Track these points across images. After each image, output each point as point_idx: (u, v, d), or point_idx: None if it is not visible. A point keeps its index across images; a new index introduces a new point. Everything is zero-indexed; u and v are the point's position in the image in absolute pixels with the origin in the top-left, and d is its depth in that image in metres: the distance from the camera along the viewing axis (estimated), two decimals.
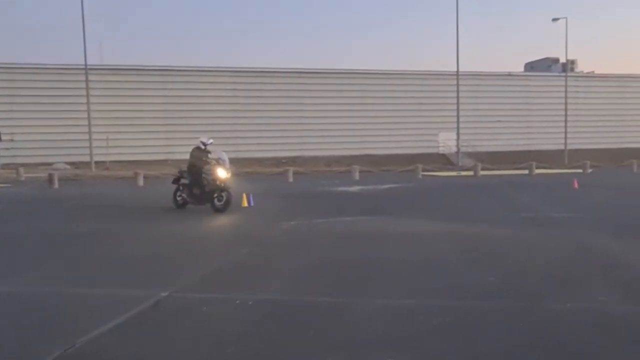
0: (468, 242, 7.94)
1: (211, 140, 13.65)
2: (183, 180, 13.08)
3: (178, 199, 13.06)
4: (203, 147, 13.20)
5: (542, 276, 5.85)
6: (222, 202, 12.28)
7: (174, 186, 13.40)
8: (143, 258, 7.21)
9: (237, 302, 5.05)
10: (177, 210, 12.70)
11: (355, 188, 18.71)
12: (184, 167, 13.33)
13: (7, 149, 41.24)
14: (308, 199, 15.34)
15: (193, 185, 12.69)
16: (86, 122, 35.84)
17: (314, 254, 7.26)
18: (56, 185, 21.05)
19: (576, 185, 17.47)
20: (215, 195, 12.37)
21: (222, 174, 12.51)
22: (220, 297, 5.25)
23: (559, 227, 9.37)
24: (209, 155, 13.10)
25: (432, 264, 6.55)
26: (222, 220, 10.99)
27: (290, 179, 24.60)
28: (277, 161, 42.61)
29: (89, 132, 34.27)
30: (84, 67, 35.59)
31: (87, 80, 34.17)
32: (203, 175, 12.53)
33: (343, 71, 48.75)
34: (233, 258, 7.10)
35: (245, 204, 13.38)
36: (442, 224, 9.83)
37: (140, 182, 22.10)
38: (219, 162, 12.90)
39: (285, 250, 7.65)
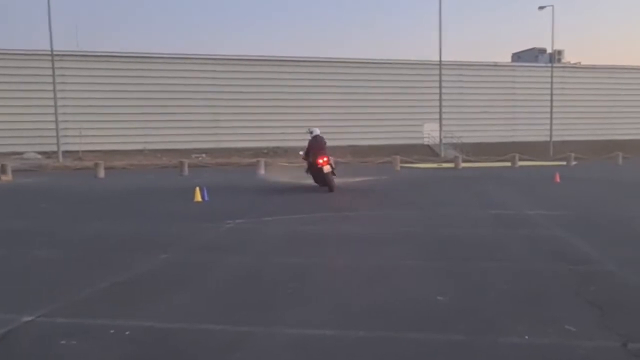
0: (424, 247, 6.91)
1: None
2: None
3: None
4: None
5: (500, 293, 4.82)
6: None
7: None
8: (42, 265, 6.13)
9: (112, 332, 3.97)
10: (119, 207, 11.60)
11: None
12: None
13: None
14: (270, 193, 14.27)
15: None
16: (58, 111, 34.44)
17: (243, 260, 6.19)
18: (9, 176, 19.76)
19: (557, 179, 16.54)
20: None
21: None
22: (95, 324, 4.15)
23: (531, 226, 8.37)
24: None
25: (375, 275, 5.50)
26: (162, 217, 9.86)
27: (262, 171, 23.50)
28: (258, 152, 41.41)
29: (56, 121, 32.83)
30: (55, 52, 34.13)
31: (53, 67, 32.74)
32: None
33: (325, 60, 47.52)
34: (147, 266, 6.00)
35: (198, 198, 12.31)
36: (402, 224, 8.81)
37: (101, 173, 20.85)
38: None
39: (213, 255, 6.57)
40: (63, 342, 3.79)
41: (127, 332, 3.95)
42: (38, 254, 6.72)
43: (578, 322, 4.03)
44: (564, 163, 28.13)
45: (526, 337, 3.78)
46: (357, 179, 18.08)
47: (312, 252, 6.67)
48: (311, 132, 14.87)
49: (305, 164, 14.78)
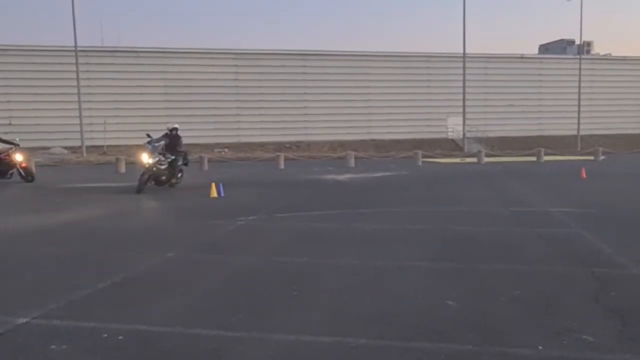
0: (436, 246, 6.63)
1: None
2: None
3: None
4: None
5: (513, 298, 4.55)
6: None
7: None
8: (45, 262, 6.05)
9: (105, 335, 3.84)
10: (133, 202, 11.56)
11: (344, 176, 17.41)
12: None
13: (6, 133, 40.52)
14: (287, 188, 14.11)
15: None
16: (84, 106, 34.87)
17: (247, 260, 6.02)
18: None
19: (584, 175, 15.99)
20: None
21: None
22: (89, 326, 4.02)
23: (551, 225, 8.03)
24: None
25: (382, 277, 5.28)
26: (176, 213, 9.78)
27: (282, 166, 23.35)
28: (280, 146, 41.34)
29: (80, 116, 33.22)
30: (80, 48, 34.56)
31: (77, 63, 33.05)
32: None
33: (348, 53, 47.11)
34: (150, 265, 5.88)
35: (214, 194, 12.21)
36: (416, 222, 8.54)
37: (122, 168, 20.97)
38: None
39: (219, 254, 6.43)
40: (53, 346, 3.67)
41: (120, 337, 3.81)
42: (41, 251, 6.66)
43: (597, 333, 3.74)
44: (592, 157, 27.31)
45: (539, 347, 3.52)
46: (377, 174, 17.82)
47: (319, 251, 6.47)
48: (176, 129, 14.49)
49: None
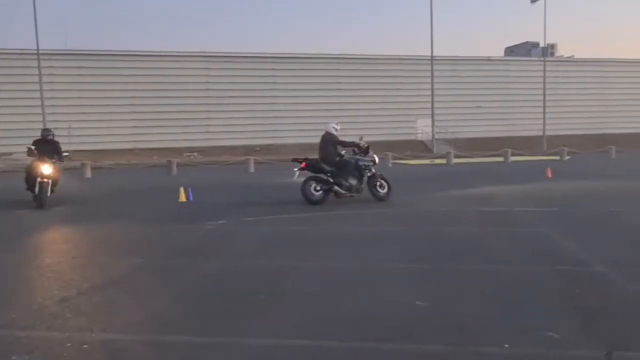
0: (406, 248, 6.67)
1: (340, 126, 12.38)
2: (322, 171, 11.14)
3: (316, 192, 11.00)
4: (336, 132, 11.85)
5: (481, 297, 4.61)
6: (385, 191, 11.50)
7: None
8: (4, 271, 5.86)
9: (69, 345, 3.74)
10: (99, 208, 11.34)
11: None
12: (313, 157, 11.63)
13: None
14: (257, 192, 14.03)
15: (348, 176, 11.23)
16: (48, 110, 34.08)
17: (217, 266, 5.95)
18: None
19: (550, 175, 16.34)
20: (378, 183, 11.48)
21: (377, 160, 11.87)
22: (53, 336, 3.91)
23: (518, 224, 8.18)
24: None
25: (353, 280, 5.28)
26: (144, 219, 9.61)
27: (252, 170, 23.23)
28: (250, 149, 41.09)
29: (44, 121, 32.42)
30: (44, 52, 33.79)
31: (39, 67, 32.34)
32: (361, 164, 11.40)
33: (317, 56, 47.20)
34: (118, 272, 5.76)
35: (183, 199, 12.07)
36: (387, 223, 8.61)
37: (88, 173, 20.59)
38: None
39: (187, 260, 6.32)
40: (14, 357, 3.56)
41: (85, 346, 3.71)
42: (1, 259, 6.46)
43: (562, 329, 3.81)
44: (558, 158, 27.96)
45: (506, 346, 3.57)
46: None
47: (290, 255, 6.44)
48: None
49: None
